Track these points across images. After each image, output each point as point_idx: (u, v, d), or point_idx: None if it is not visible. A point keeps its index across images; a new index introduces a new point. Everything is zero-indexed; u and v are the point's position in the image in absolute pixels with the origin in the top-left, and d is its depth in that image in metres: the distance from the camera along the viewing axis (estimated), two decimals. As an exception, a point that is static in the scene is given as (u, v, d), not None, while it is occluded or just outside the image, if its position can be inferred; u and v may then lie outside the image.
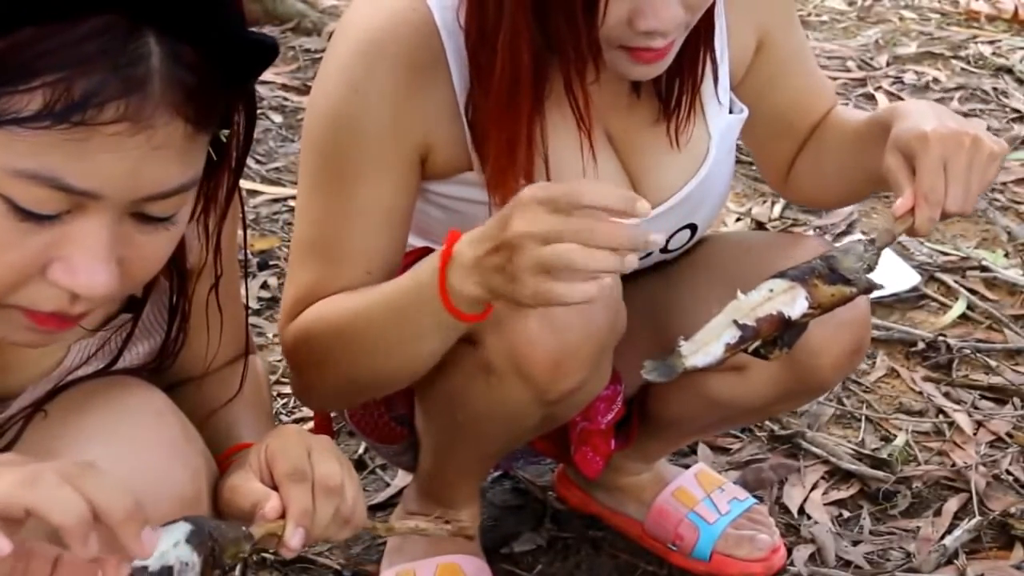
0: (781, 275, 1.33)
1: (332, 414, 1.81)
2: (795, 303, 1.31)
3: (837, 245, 1.37)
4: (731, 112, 1.61)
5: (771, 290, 1.31)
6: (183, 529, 1.07)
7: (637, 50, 1.36)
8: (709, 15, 1.45)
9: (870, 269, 1.36)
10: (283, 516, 1.15)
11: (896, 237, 1.41)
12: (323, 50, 3.59)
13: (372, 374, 1.47)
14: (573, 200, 1.21)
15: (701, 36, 1.47)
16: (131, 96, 0.96)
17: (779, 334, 1.31)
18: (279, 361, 2.24)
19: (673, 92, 1.51)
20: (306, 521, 1.15)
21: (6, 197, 0.98)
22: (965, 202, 1.40)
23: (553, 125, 1.47)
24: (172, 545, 1.05)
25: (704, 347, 1.29)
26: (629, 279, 1.60)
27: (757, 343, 1.31)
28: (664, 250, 1.63)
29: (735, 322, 1.29)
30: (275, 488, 1.17)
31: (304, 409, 2.13)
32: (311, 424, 1.87)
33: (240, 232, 1.36)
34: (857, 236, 2.73)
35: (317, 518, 1.16)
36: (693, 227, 1.63)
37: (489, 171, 1.45)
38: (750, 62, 1.62)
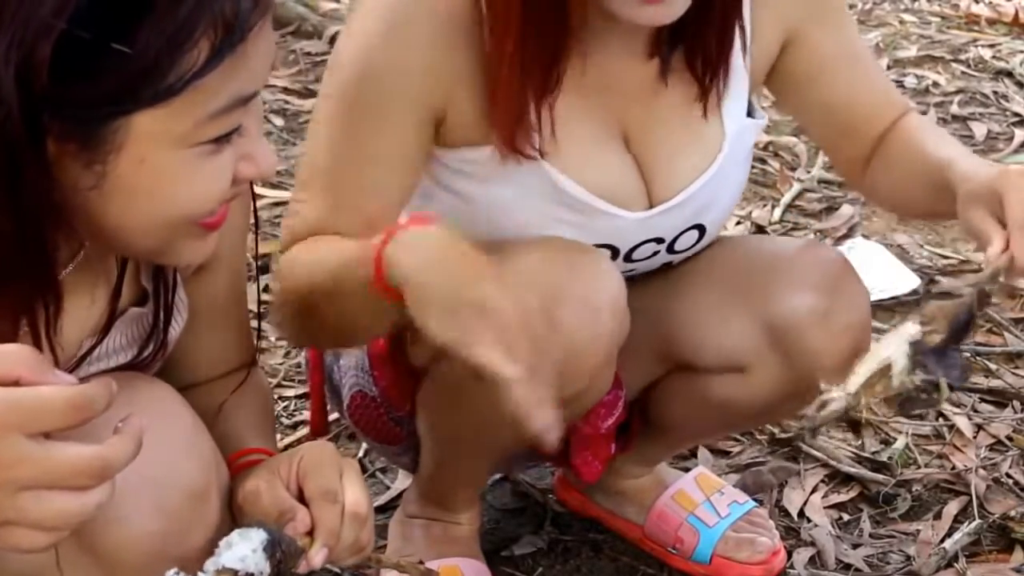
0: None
1: (330, 417, 1.82)
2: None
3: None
4: (750, 116, 1.60)
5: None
6: (260, 537, 1.09)
7: None
8: None
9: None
10: (309, 532, 1.17)
11: (997, 276, 1.36)
12: (324, 54, 3.62)
13: (330, 329, 1.42)
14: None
15: (729, 4, 1.46)
16: None
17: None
18: (280, 364, 2.25)
19: (710, 57, 1.49)
20: (332, 542, 1.18)
21: (206, 141, 1.06)
22: None
23: (568, 106, 1.47)
24: (251, 551, 1.07)
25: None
26: (634, 281, 1.61)
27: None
28: (671, 250, 1.63)
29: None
30: (301, 500, 1.19)
31: (304, 413, 2.14)
32: (307, 429, 1.87)
33: (250, 236, 1.37)
34: (859, 238, 2.73)
35: (340, 541, 1.18)
36: (701, 228, 1.63)
37: (474, 121, 1.44)
38: (774, 62, 1.60)
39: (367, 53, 1.44)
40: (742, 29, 1.50)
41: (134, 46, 0.99)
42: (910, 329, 1.26)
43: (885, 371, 1.25)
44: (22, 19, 0.97)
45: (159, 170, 1.05)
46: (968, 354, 2.35)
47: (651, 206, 1.56)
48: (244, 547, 1.07)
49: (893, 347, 1.26)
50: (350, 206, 1.46)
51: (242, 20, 1.03)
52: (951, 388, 1.26)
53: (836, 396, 1.27)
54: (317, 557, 1.16)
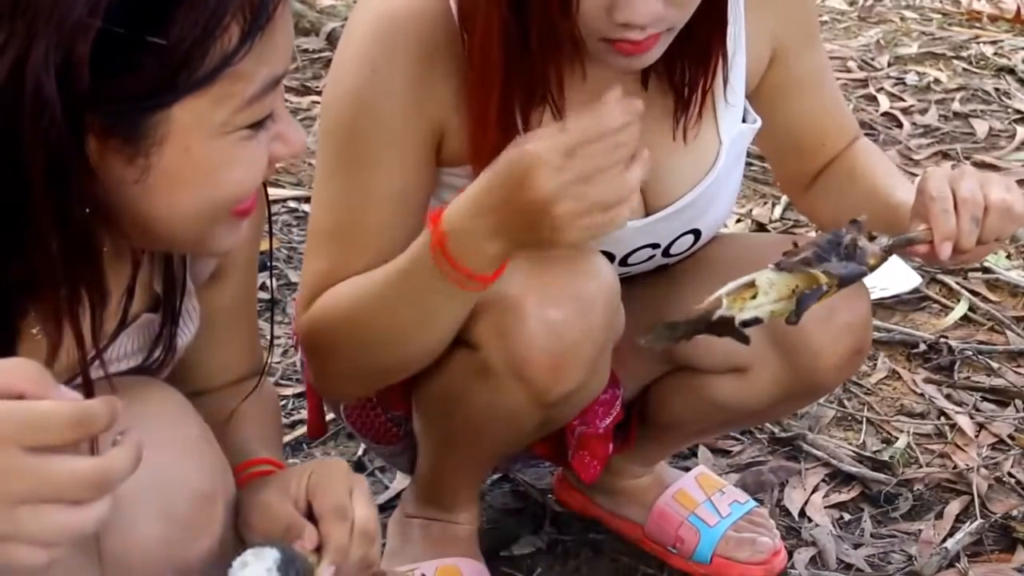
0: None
1: (327, 416, 1.81)
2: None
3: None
4: (744, 121, 1.60)
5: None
6: (274, 556, 1.09)
7: (618, 42, 1.35)
8: (720, 13, 1.44)
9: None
10: (317, 549, 1.17)
11: (913, 240, 1.42)
12: (322, 50, 3.61)
13: (384, 358, 1.46)
14: (586, 140, 1.22)
15: (713, 32, 1.46)
16: None
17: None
18: (278, 363, 2.24)
19: (684, 85, 1.50)
20: (341, 559, 1.17)
21: (244, 126, 1.07)
22: (979, 200, 1.40)
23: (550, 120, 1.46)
24: (265, 570, 1.07)
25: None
26: (629, 281, 1.60)
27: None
28: (666, 254, 1.62)
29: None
30: (310, 517, 1.19)
31: (302, 412, 2.13)
32: (304, 428, 1.86)
33: (263, 241, 1.37)
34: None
35: (349, 559, 1.18)
36: (697, 233, 1.62)
37: (467, 146, 1.44)
38: (764, 72, 1.62)
39: (355, 95, 1.44)
40: (724, 56, 1.49)
41: (168, 37, 1.00)
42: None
43: (752, 287, 1.30)
44: (57, 21, 0.98)
45: (203, 159, 1.06)
46: (970, 353, 2.35)
47: (647, 214, 1.55)
48: (259, 567, 1.07)
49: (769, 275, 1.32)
50: (363, 246, 1.46)
51: (267, 2, 1.04)
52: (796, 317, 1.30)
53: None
54: (325, 574, 1.16)
